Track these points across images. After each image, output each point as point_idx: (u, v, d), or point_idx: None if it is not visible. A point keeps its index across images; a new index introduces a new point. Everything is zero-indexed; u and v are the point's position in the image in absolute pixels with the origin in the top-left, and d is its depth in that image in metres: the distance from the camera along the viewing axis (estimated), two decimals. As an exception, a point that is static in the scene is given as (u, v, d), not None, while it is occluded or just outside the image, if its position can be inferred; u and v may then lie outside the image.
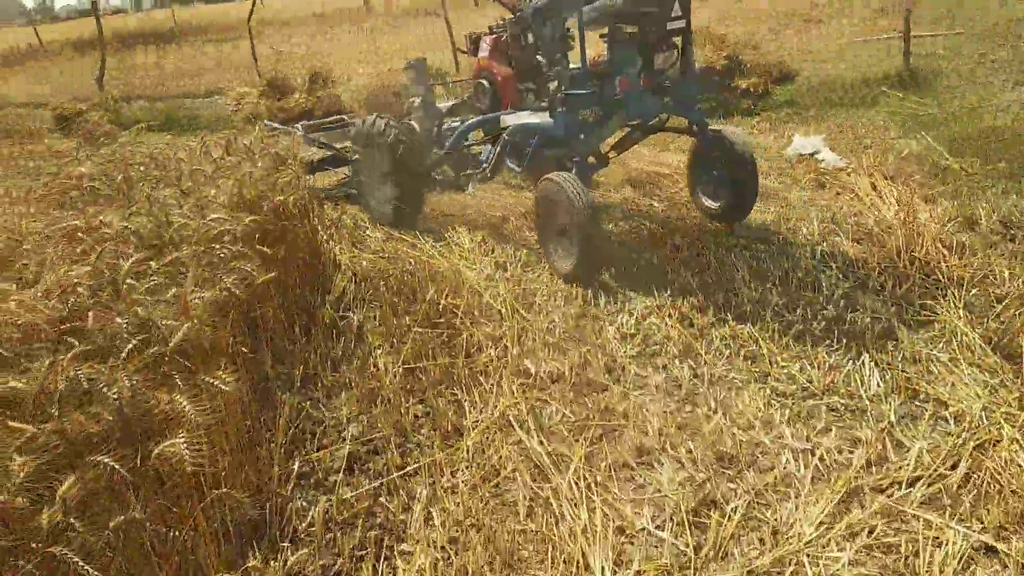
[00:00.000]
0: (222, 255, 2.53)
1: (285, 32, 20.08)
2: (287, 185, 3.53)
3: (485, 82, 4.86)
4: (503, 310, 3.82)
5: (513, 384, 3.14)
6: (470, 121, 4.83)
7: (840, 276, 3.86)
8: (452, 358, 3.41)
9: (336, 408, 3.10)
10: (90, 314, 2.06)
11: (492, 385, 3.17)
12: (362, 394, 3.17)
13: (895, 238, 4.13)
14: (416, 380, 3.28)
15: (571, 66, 4.25)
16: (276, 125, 6.09)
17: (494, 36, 4.88)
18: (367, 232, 5.27)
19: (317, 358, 3.45)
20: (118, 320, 2.07)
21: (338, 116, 6.85)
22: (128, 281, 2.22)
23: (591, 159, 4.42)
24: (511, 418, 2.91)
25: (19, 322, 2.11)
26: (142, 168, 4.03)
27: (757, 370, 3.12)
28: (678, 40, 4.20)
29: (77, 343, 2.06)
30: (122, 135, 8.37)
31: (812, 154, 5.98)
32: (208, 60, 16.43)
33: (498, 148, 4.54)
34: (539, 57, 4.62)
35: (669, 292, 3.85)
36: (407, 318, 3.85)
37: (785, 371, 3.10)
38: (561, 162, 4.41)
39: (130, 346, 1.94)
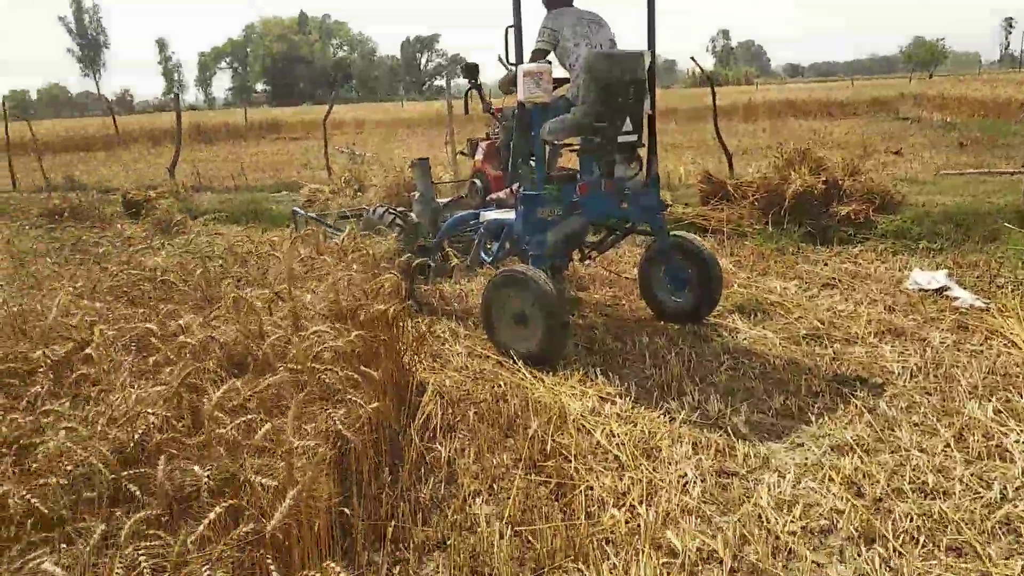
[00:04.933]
0: (327, 380, 2.01)
1: (355, 135, 20.49)
2: (388, 293, 3.06)
3: (478, 181, 5.40)
4: (622, 456, 3.22)
5: (655, 562, 2.50)
6: (456, 215, 5.27)
7: (1031, 443, 3.19)
8: (569, 518, 2.80)
9: (431, 578, 2.48)
10: (161, 459, 1.53)
11: (625, 562, 2.53)
12: (462, 560, 2.55)
13: (1085, 400, 3.48)
14: (527, 546, 2.66)
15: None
16: (302, 212, 6.65)
17: (489, 141, 5.48)
18: (448, 346, 4.77)
19: (405, 504, 2.86)
20: (196, 471, 1.53)
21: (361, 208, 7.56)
22: (215, 413, 1.70)
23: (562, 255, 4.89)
24: (661, 616, 2.25)
25: (71, 460, 1.59)
26: (221, 263, 3.62)
27: (971, 568, 2.44)
28: (643, 152, 4.72)
29: (139, 495, 1.53)
30: (193, 225, 8.22)
31: (939, 290, 5.38)
32: (279, 157, 16.66)
33: (476, 241, 5.00)
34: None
35: (823, 449, 3.22)
36: (505, 456, 3.28)
37: (1006, 572, 2.42)
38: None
39: (212, 515, 1.39)
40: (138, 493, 1.60)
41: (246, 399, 1.84)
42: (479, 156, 5.54)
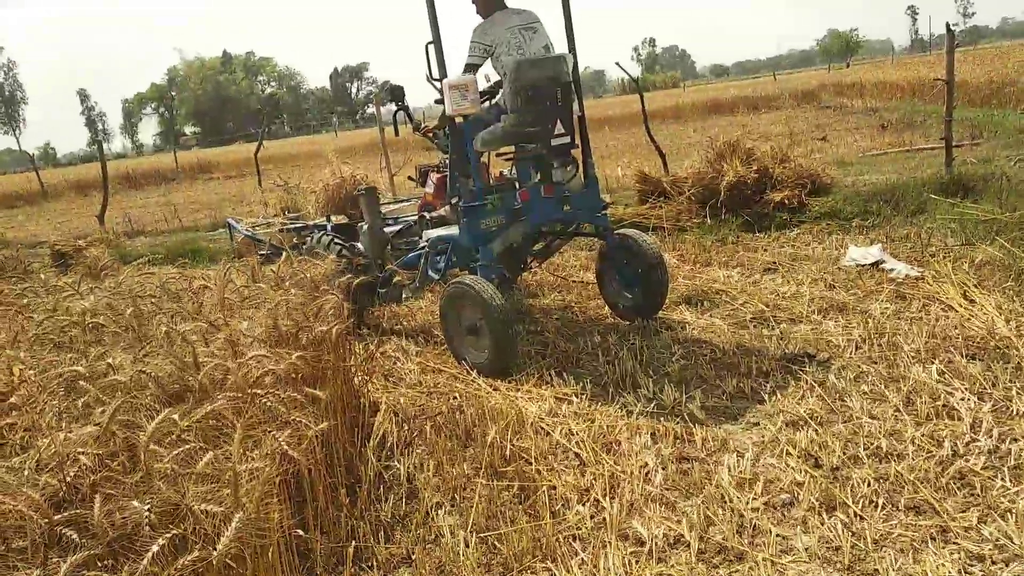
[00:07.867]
0: (268, 404, 1.94)
1: (290, 168, 20.26)
2: (329, 314, 2.99)
3: (427, 215, 5.29)
4: (583, 453, 3.20)
5: (623, 552, 2.48)
6: (409, 255, 5.19)
7: (976, 399, 3.28)
8: (535, 519, 2.76)
9: (399, 595, 2.42)
10: (96, 497, 1.45)
11: (593, 555, 2.51)
12: (428, 572, 2.50)
13: (1021, 353, 3.59)
14: (494, 552, 2.62)
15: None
16: (235, 224, 6.50)
17: (440, 175, 5.32)
18: (399, 364, 4.70)
19: (366, 524, 2.79)
20: (135, 505, 1.45)
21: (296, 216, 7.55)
22: (152, 447, 1.62)
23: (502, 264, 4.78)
24: (635, 606, 2.23)
25: (-4, 511, 1.49)
26: (154, 300, 3.51)
27: (930, 524, 2.48)
28: (578, 153, 4.74)
29: (78, 539, 1.45)
30: (125, 269, 7.96)
31: (875, 264, 5.53)
32: (212, 196, 16.34)
33: (422, 260, 4.92)
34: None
35: (778, 426, 3.26)
36: (465, 466, 3.23)
37: (964, 524, 2.46)
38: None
39: (155, 547, 1.32)
40: (75, 536, 1.51)
41: (183, 430, 1.77)
42: (429, 189, 5.41)
